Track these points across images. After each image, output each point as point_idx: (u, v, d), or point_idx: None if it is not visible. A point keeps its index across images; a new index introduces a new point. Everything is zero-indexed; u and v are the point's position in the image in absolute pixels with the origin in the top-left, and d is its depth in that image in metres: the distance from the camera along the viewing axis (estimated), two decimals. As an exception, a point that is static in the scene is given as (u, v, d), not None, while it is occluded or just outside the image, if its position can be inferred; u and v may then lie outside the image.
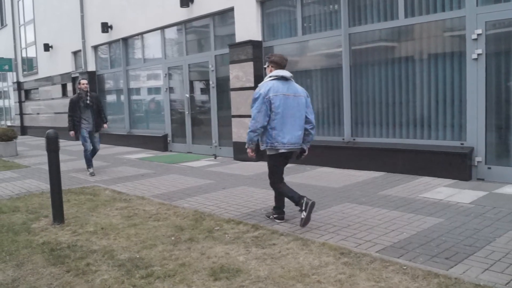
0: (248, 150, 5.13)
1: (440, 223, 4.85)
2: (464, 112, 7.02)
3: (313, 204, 4.84)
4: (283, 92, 4.95)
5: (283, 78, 5.05)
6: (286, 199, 5.24)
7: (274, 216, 5.30)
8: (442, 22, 7.24)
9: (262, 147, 5.17)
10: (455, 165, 6.97)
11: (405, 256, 3.93)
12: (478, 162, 6.87)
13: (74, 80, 18.05)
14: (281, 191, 5.18)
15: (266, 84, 5.04)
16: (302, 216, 4.84)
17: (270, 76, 5.10)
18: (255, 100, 4.98)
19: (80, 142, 9.38)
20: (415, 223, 4.91)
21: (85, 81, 9.41)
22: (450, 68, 7.19)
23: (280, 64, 5.16)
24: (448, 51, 7.23)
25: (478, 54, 6.71)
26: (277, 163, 5.18)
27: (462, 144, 7.03)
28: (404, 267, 3.63)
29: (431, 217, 5.08)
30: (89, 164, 9.28)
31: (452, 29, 7.20)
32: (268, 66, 5.23)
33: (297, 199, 4.95)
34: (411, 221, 4.97)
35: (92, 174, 9.13)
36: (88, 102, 9.17)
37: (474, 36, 6.72)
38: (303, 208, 4.83)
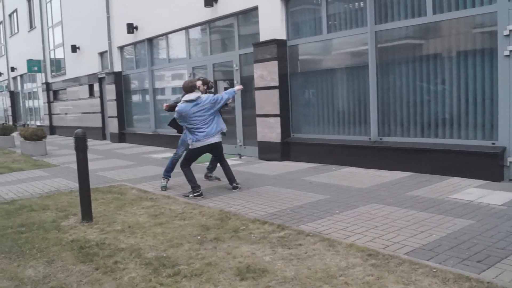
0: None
1: (471, 225, 4.73)
2: (495, 110, 6.83)
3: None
4: None
5: None
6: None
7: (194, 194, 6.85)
8: (472, 18, 7.08)
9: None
10: (486, 166, 6.80)
11: (435, 259, 3.84)
12: (510, 162, 6.68)
13: (100, 80, 18.31)
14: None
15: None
16: (190, 195, 6.80)
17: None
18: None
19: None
20: (444, 224, 4.80)
21: (200, 83, 7.47)
22: (480, 66, 7.01)
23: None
24: (478, 48, 7.05)
25: (510, 51, 6.53)
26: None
27: (493, 144, 6.85)
28: (434, 270, 3.55)
29: (461, 219, 4.96)
30: (169, 173, 7.64)
31: (482, 25, 7.03)
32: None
33: (195, 186, 6.90)
34: (440, 223, 4.86)
35: (163, 188, 7.48)
36: None
37: (506, 32, 6.54)
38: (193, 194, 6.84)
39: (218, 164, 7.66)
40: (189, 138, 6.96)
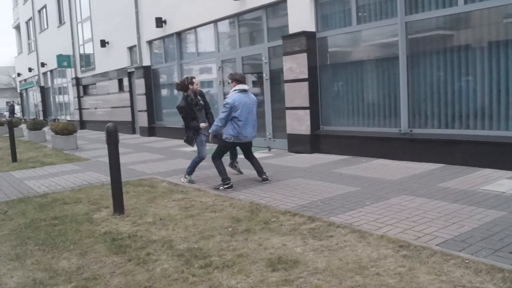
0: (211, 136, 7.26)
1: (503, 217, 4.66)
2: (529, 101, 6.69)
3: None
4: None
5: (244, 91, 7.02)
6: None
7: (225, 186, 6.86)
8: (505, 8, 6.91)
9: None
10: (519, 157, 6.67)
11: (467, 250, 3.81)
12: (544, 153, 6.55)
13: (130, 75, 18.55)
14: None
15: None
16: (221, 188, 6.83)
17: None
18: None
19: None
20: (476, 216, 4.74)
21: (197, 80, 7.61)
22: (513, 55, 6.87)
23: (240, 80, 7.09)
24: (510, 38, 6.89)
25: (545, 40, 6.37)
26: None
27: (526, 134, 6.72)
28: (466, 261, 3.52)
29: (493, 210, 4.89)
30: (192, 170, 7.66)
31: (516, 14, 6.87)
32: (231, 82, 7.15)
33: (225, 178, 6.92)
34: (472, 214, 4.80)
35: (191, 182, 7.53)
36: (201, 102, 7.61)
37: (540, 21, 6.39)
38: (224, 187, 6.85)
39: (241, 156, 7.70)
40: (228, 133, 6.98)
